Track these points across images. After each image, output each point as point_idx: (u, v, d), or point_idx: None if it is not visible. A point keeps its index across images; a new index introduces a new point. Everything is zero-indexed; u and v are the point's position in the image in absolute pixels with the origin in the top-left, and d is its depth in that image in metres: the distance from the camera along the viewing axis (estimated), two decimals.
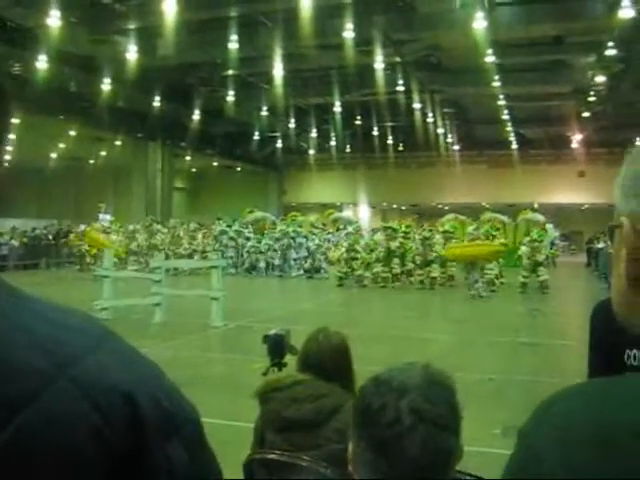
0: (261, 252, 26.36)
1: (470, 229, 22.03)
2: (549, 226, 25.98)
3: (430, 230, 22.65)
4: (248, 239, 26.88)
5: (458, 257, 20.36)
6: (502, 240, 21.88)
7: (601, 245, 25.82)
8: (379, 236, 23.13)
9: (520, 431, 0.71)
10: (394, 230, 22.02)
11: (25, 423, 0.67)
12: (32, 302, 0.78)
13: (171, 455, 0.74)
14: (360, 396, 1.28)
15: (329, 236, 26.23)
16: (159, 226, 29.82)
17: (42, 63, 22.26)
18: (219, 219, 29.53)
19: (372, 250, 22.33)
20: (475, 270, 19.29)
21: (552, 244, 24.67)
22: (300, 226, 27.56)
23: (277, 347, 3.42)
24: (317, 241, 26.02)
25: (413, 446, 1.18)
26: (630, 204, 0.78)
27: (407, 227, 23.06)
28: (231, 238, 26.93)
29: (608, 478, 0.62)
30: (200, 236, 29.02)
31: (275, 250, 26.19)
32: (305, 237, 26.13)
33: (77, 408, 0.70)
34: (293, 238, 25.97)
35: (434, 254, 21.43)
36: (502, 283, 21.45)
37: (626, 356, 1.86)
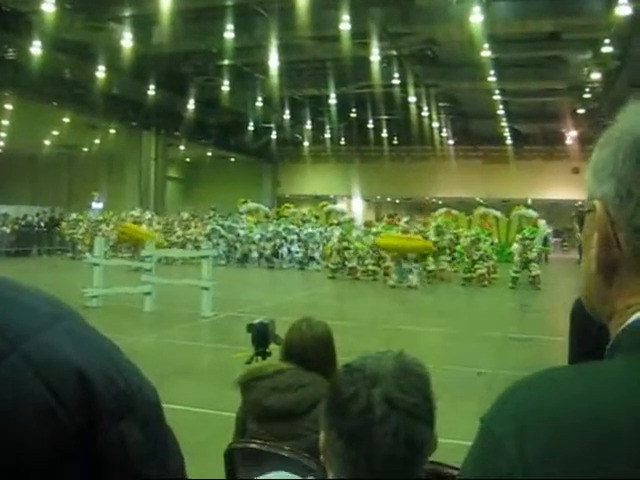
0: (253, 242, 26.28)
1: (403, 222, 22.26)
2: (542, 222, 26.00)
3: (425, 224, 22.67)
4: (238, 235, 26.72)
5: (388, 247, 20.66)
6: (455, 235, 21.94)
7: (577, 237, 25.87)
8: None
9: (483, 417, 0.71)
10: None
11: None
12: None
13: (125, 434, 0.73)
14: (332, 384, 1.26)
15: (321, 229, 26.11)
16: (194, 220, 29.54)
17: (36, 49, 22.14)
18: (213, 209, 29.43)
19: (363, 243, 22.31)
20: (407, 261, 19.77)
21: (545, 240, 24.68)
22: (291, 222, 27.42)
23: (261, 336, 3.40)
24: (310, 229, 25.91)
25: (385, 435, 1.16)
26: (602, 187, 0.76)
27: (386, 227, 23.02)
28: (221, 236, 26.82)
29: (561, 467, 0.61)
30: (193, 225, 28.90)
31: (268, 239, 26.10)
32: (297, 233, 26.00)
33: (28, 384, 0.68)
34: (285, 238, 25.91)
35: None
36: (494, 278, 21.49)
37: (607, 351, 1.84)
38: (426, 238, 21.22)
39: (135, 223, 26.43)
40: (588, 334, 1.90)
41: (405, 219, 22.64)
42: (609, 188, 0.75)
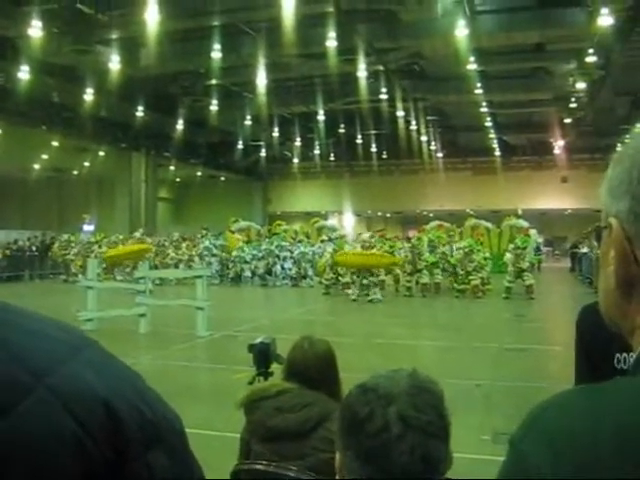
0: (246, 262, 26.25)
1: (365, 236, 22.45)
2: (533, 232, 26.13)
3: (419, 239, 22.73)
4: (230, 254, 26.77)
5: (346, 264, 20.85)
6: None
7: (585, 250, 26.00)
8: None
9: (511, 438, 0.70)
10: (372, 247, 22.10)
11: (3, 434, 0.65)
12: (6, 311, 0.76)
13: (152, 464, 0.73)
14: (346, 404, 1.26)
15: (314, 248, 26.12)
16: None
17: (24, 73, 22.15)
18: (205, 229, 29.41)
19: None
20: (368, 276, 19.99)
21: (537, 250, 24.71)
22: (283, 239, 27.48)
23: (263, 356, 3.38)
24: (302, 249, 25.94)
25: (402, 454, 1.16)
26: (618, 204, 0.76)
27: (390, 245, 23.08)
28: (213, 255, 26.87)
29: None
30: (184, 246, 28.83)
31: (260, 259, 26.10)
32: (289, 250, 26.04)
33: (55, 417, 0.68)
34: (277, 256, 25.94)
35: (423, 263, 21.47)
36: (489, 290, 21.54)
37: (616, 360, 1.84)
38: (392, 253, 21.53)
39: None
40: (595, 343, 1.90)
41: (367, 235, 22.83)
42: (624, 205, 0.75)
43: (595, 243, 22.51)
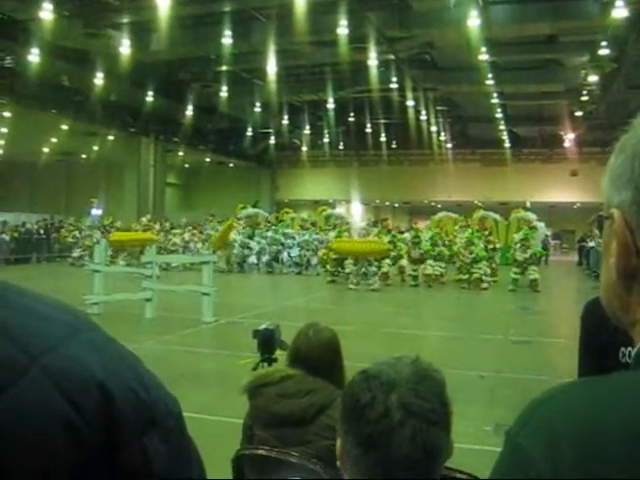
0: (249, 248, 26.26)
1: (362, 224, 22.55)
2: (541, 225, 26.01)
3: (416, 230, 22.79)
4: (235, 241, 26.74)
5: (341, 251, 21.00)
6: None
7: (592, 244, 25.90)
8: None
9: (508, 432, 0.69)
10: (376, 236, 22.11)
11: None
12: (5, 290, 0.76)
13: (148, 448, 0.72)
14: (348, 390, 1.26)
15: (317, 236, 26.11)
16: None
17: (34, 56, 22.12)
18: (212, 215, 29.36)
19: None
20: (367, 264, 20.07)
21: (544, 244, 24.51)
22: (288, 226, 27.49)
23: (267, 342, 3.40)
24: (307, 237, 25.97)
25: (403, 441, 1.16)
26: (620, 195, 0.74)
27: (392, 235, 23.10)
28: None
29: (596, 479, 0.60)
30: (186, 231, 28.89)
31: (266, 246, 26.12)
32: (293, 237, 26.07)
33: (48, 398, 0.67)
34: (283, 244, 25.97)
35: (419, 252, 21.49)
36: (495, 281, 21.53)
37: (621, 354, 1.84)
38: (394, 244, 21.58)
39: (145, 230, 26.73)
40: (599, 337, 1.90)
41: (364, 223, 22.98)
42: (626, 195, 0.73)
43: (597, 232, 22.40)
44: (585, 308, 2.09)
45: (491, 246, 22.43)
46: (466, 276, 20.86)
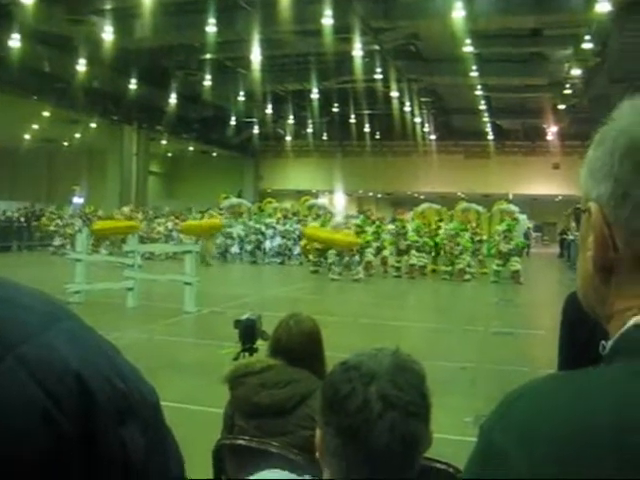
0: (232, 238, 26.22)
1: (338, 220, 22.82)
2: (523, 217, 26.18)
3: (401, 220, 22.88)
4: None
5: (313, 237, 21.42)
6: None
7: (573, 236, 26.11)
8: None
9: (482, 426, 0.67)
10: (360, 226, 22.06)
11: None
12: None
13: (126, 439, 0.71)
14: (328, 382, 1.26)
15: (298, 226, 26.10)
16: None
17: (16, 42, 21.84)
18: (189, 209, 29.35)
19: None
20: (335, 255, 20.27)
21: (525, 235, 24.57)
22: (270, 215, 27.50)
23: (248, 332, 3.40)
24: (288, 226, 25.97)
25: (382, 433, 1.16)
26: (598, 188, 0.74)
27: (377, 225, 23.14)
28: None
29: (574, 477, 0.58)
30: (172, 223, 28.78)
31: (247, 235, 26.10)
32: (274, 227, 26.05)
33: (23, 388, 0.66)
34: (263, 233, 25.95)
35: (405, 243, 21.59)
36: (484, 273, 21.68)
37: (601, 347, 1.84)
38: (379, 235, 21.82)
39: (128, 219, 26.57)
40: (580, 329, 1.91)
41: (340, 219, 23.15)
42: (605, 189, 0.73)
43: (574, 225, 22.56)
44: (567, 300, 2.09)
45: (477, 238, 22.54)
46: (449, 267, 20.96)
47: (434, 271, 21.32)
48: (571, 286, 1.98)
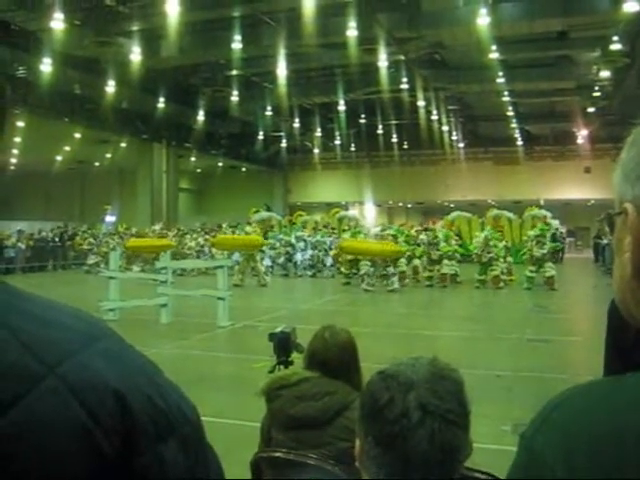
0: (264, 252, 26.24)
1: (377, 230, 22.54)
2: (555, 222, 25.84)
3: (433, 230, 22.79)
4: None
5: (352, 251, 20.97)
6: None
7: (607, 241, 25.72)
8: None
9: (522, 434, 0.67)
10: (394, 237, 21.89)
11: (11, 424, 0.65)
12: (23, 300, 0.76)
13: (165, 456, 0.72)
14: (367, 391, 1.26)
15: (331, 238, 26.09)
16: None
17: (46, 66, 22.28)
18: (220, 227, 29.54)
19: None
20: (385, 265, 19.97)
21: (553, 238, 24.14)
22: (304, 226, 27.57)
23: (283, 345, 3.40)
24: (319, 237, 25.97)
25: (421, 441, 1.16)
26: (633, 189, 0.73)
27: (406, 235, 23.05)
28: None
29: None
30: (203, 239, 28.99)
31: (279, 248, 26.10)
32: (304, 240, 26.04)
33: (65, 407, 0.67)
34: (293, 245, 25.95)
35: (438, 253, 21.45)
36: (511, 280, 21.43)
37: None
38: (409, 244, 21.83)
39: (160, 237, 26.81)
40: (625, 334, 1.87)
41: (378, 229, 22.91)
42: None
43: (607, 229, 22.16)
44: (612, 304, 2.06)
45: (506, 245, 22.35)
46: (482, 276, 20.73)
47: (477, 280, 20.98)
48: (607, 292, 1.96)
